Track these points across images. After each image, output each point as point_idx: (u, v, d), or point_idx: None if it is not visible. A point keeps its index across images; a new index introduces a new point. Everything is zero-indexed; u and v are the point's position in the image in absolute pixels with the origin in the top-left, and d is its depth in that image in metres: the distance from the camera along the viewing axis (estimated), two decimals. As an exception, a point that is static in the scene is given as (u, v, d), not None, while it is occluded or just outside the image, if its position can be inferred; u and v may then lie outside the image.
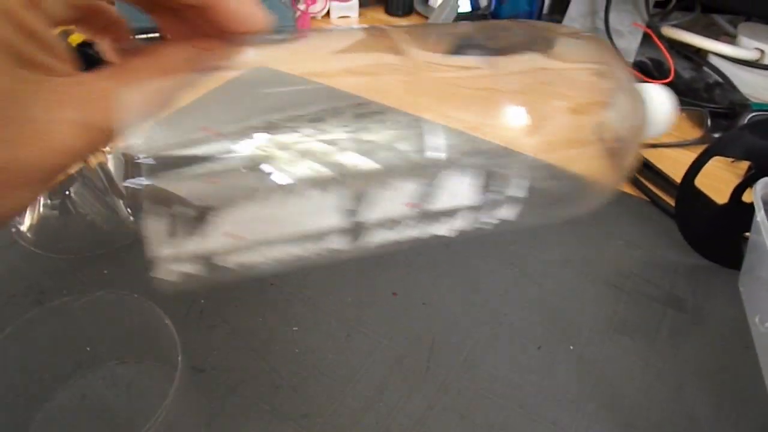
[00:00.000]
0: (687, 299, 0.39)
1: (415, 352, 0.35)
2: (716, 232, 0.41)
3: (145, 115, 0.22)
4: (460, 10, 0.68)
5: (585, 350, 0.36)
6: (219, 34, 0.25)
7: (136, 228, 0.42)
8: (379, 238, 0.32)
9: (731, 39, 0.64)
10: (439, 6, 0.66)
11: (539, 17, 0.65)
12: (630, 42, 0.63)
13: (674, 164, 0.48)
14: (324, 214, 0.29)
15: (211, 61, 0.25)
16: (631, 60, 0.63)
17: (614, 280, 0.40)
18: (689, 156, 0.41)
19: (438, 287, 0.39)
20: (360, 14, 0.77)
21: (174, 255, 0.27)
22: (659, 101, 0.41)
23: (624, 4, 0.64)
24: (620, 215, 0.46)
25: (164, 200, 0.26)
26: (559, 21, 0.68)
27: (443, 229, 0.34)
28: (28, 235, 0.42)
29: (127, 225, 0.42)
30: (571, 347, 0.36)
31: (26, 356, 0.30)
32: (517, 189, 0.34)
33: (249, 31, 0.25)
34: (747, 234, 0.38)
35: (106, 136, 0.21)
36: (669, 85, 0.50)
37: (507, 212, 0.36)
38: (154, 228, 0.26)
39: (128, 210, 0.42)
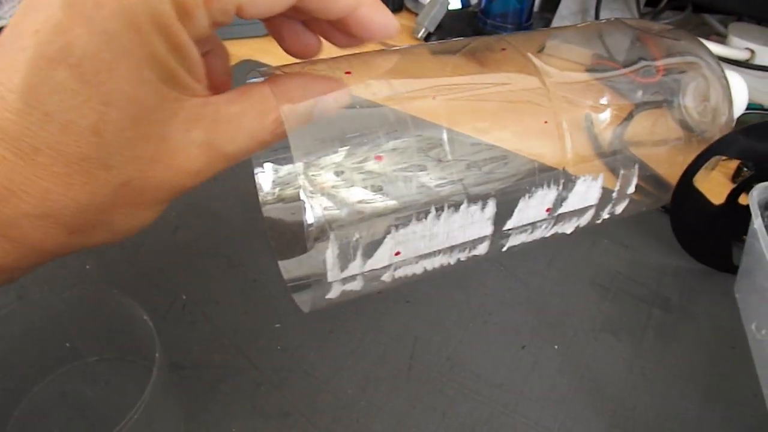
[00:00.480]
0: (674, 300, 0.39)
1: (397, 350, 0.35)
2: (710, 233, 0.41)
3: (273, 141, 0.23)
4: (451, 7, 0.67)
5: (570, 350, 0.36)
6: (348, 42, 0.27)
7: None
8: (516, 241, 0.33)
9: (722, 39, 0.64)
10: (429, 3, 0.66)
11: (530, 14, 0.65)
12: (621, 44, 0.63)
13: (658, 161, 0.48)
14: (480, 226, 0.30)
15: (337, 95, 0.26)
16: (621, 59, 0.62)
17: (600, 280, 0.40)
18: (677, 154, 0.40)
19: (422, 285, 0.38)
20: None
21: (345, 276, 0.28)
22: (739, 89, 0.42)
23: (614, 2, 0.63)
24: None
25: (349, 226, 0.27)
26: (550, 18, 0.68)
27: (569, 228, 0.35)
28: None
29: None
30: (556, 347, 0.36)
31: (5, 351, 0.30)
32: (630, 186, 0.35)
33: (381, 38, 0.25)
34: (744, 237, 0.38)
35: (229, 160, 0.22)
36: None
37: (618, 208, 0.36)
38: (332, 254, 0.27)
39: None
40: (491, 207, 0.31)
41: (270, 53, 0.63)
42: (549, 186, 0.33)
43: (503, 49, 0.37)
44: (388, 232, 0.28)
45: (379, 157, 0.28)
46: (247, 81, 0.27)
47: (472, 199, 0.30)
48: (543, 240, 0.36)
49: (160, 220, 0.41)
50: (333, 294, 0.29)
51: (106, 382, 0.33)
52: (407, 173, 0.29)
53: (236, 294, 0.38)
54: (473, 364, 0.34)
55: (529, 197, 0.32)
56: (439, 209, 0.29)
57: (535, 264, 0.41)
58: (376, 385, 0.33)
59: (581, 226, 0.37)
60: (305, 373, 0.34)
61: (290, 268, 0.37)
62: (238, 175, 0.45)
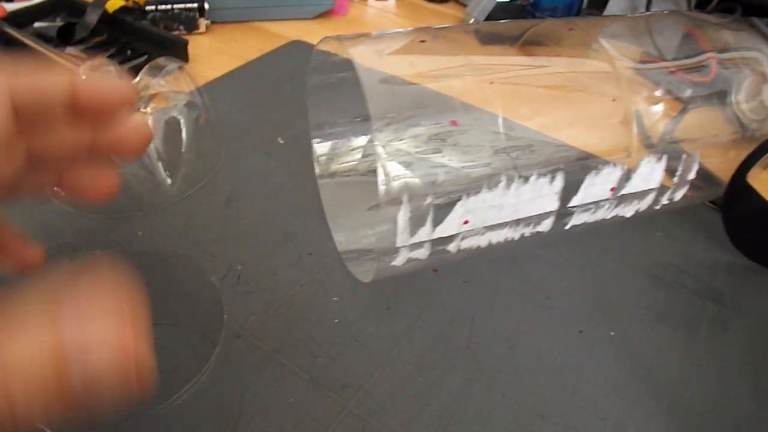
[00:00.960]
0: (727, 295, 0.39)
1: (455, 329, 0.35)
2: (763, 231, 0.40)
3: None
4: (499, -1, 0.67)
5: (626, 337, 0.35)
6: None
7: (172, 191, 0.42)
8: (579, 220, 0.33)
9: (770, 41, 0.63)
10: (478, -7, 0.65)
11: (579, 10, 0.64)
12: (669, 40, 0.62)
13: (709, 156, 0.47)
14: (547, 200, 0.30)
15: None
16: (670, 58, 0.62)
17: (654, 270, 0.40)
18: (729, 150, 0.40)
19: (478, 267, 0.38)
20: (398, -1, 0.76)
21: (414, 242, 0.28)
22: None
23: (665, 2, 0.63)
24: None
25: (422, 191, 0.27)
26: (599, 15, 0.67)
27: (629, 211, 0.35)
28: (62, 192, 0.41)
29: (164, 188, 0.41)
30: (612, 333, 0.36)
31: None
32: (691, 172, 0.35)
33: (119, 104, 0.22)
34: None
35: None
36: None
37: (678, 195, 0.36)
38: (403, 218, 0.27)
39: (166, 173, 0.41)
40: (559, 181, 0.30)
41: (319, 35, 0.63)
42: (615, 165, 0.32)
43: (570, 29, 0.36)
44: (458, 199, 0.28)
45: (454, 122, 0.28)
46: None
47: (542, 172, 0.30)
48: (602, 223, 0.36)
49: (212, 191, 0.41)
50: (399, 261, 0.29)
51: (161, 349, 0.33)
52: (480, 141, 0.29)
53: (291, 266, 0.37)
54: (532, 346, 0.34)
55: (596, 174, 0.32)
56: (510, 179, 0.29)
57: (589, 251, 0.40)
58: (434, 362, 0.33)
59: (641, 210, 0.36)
60: (362, 346, 0.33)
61: (352, 237, 0.37)
62: (291, 149, 0.45)
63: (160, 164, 0.41)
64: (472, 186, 0.28)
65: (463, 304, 0.36)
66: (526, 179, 0.29)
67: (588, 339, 0.35)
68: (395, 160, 0.27)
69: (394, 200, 0.27)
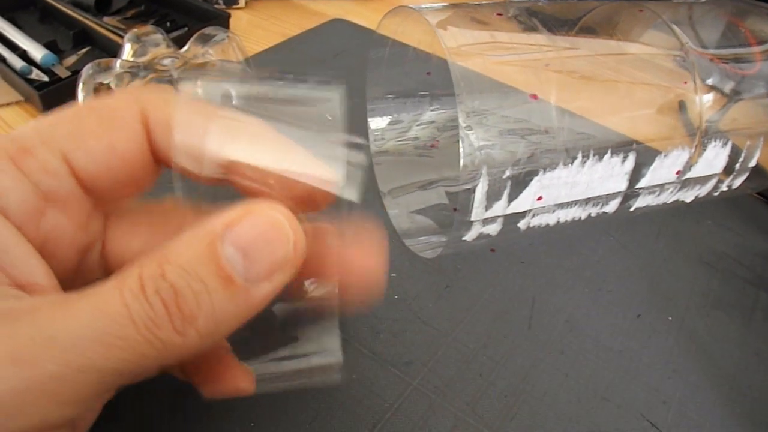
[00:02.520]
0: (780, 285, 0.38)
1: (515, 309, 0.34)
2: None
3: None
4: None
5: (684, 322, 0.35)
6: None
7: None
8: (643, 202, 0.33)
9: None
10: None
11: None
12: (711, 31, 0.62)
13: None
14: (617, 180, 0.30)
15: None
16: (712, 49, 0.62)
17: (707, 258, 0.40)
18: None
19: (535, 248, 0.38)
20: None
21: (487, 216, 0.28)
22: None
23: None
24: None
25: (502, 163, 0.27)
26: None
27: (690, 196, 0.35)
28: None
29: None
30: (670, 318, 0.35)
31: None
32: (753, 159, 0.35)
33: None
34: None
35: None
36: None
37: (737, 182, 0.36)
38: (481, 191, 0.27)
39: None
40: (631, 161, 0.30)
41: (361, 15, 0.63)
42: (683, 148, 0.32)
43: (641, 11, 0.36)
44: (536, 174, 0.28)
45: (534, 96, 0.27)
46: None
47: (616, 151, 0.29)
48: (663, 207, 0.36)
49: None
50: (470, 236, 0.29)
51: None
52: (563, 112, 0.28)
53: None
54: (591, 328, 0.34)
55: (665, 156, 0.31)
56: (585, 156, 0.28)
57: (642, 237, 0.40)
58: (497, 341, 0.33)
59: (700, 196, 0.36)
60: (424, 324, 0.33)
61: (408, 214, 0.36)
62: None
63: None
64: (550, 161, 0.28)
65: (522, 284, 0.36)
66: (601, 156, 0.28)
67: (646, 323, 0.35)
68: (476, 130, 0.26)
69: (472, 173, 0.27)
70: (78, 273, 0.19)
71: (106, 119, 0.18)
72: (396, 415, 0.29)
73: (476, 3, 0.34)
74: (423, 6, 0.32)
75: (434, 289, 0.35)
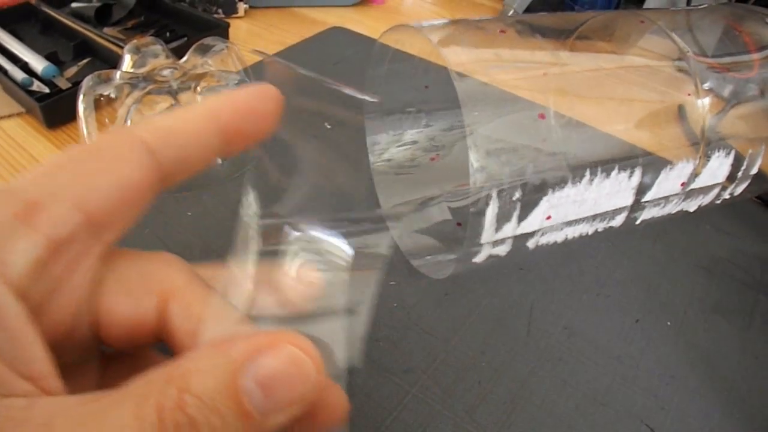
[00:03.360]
0: (779, 289, 0.39)
1: (514, 316, 0.35)
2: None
3: None
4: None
5: (682, 328, 0.35)
6: None
7: (222, 172, 0.41)
8: (649, 215, 0.33)
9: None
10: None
11: (618, 4, 0.64)
12: (709, 36, 0.62)
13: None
14: (624, 195, 0.30)
15: None
16: (710, 54, 0.62)
17: (705, 263, 0.40)
18: None
19: (533, 255, 0.38)
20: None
21: (497, 238, 0.28)
22: None
23: (704, -6, 0.63)
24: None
25: (511, 182, 0.27)
26: (638, 9, 0.67)
27: (693, 205, 0.35)
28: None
29: (215, 168, 0.41)
30: (668, 323, 0.35)
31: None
32: (754, 167, 0.35)
33: None
34: None
35: None
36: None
37: (739, 189, 0.36)
38: (493, 212, 0.27)
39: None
40: (637, 175, 0.30)
41: (360, 23, 0.63)
42: (688, 159, 0.32)
43: (642, 21, 0.36)
44: (545, 194, 0.28)
45: (542, 115, 0.28)
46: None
47: (623, 166, 0.30)
48: (667, 218, 0.36)
49: (261, 173, 0.41)
50: (480, 257, 0.29)
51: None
52: (569, 130, 0.29)
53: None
54: (590, 334, 0.34)
55: (670, 169, 0.32)
56: (593, 173, 0.29)
57: (640, 242, 0.40)
58: (496, 348, 0.33)
59: (703, 205, 0.36)
60: (423, 332, 0.33)
61: (412, 234, 0.37)
62: (339, 134, 0.45)
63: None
64: (558, 180, 0.28)
65: (520, 291, 0.36)
66: (608, 173, 0.29)
67: (645, 329, 0.35)
68: (485, 150, 0.27)
69: (480, 190, 0.27)
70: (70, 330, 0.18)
71: (107, 153, 0.18)
72: (395, 423, 0.29)
73: (475, 19, 0.34)
74: (424, 23, 0.33)
75: (433, 297, 0.35)
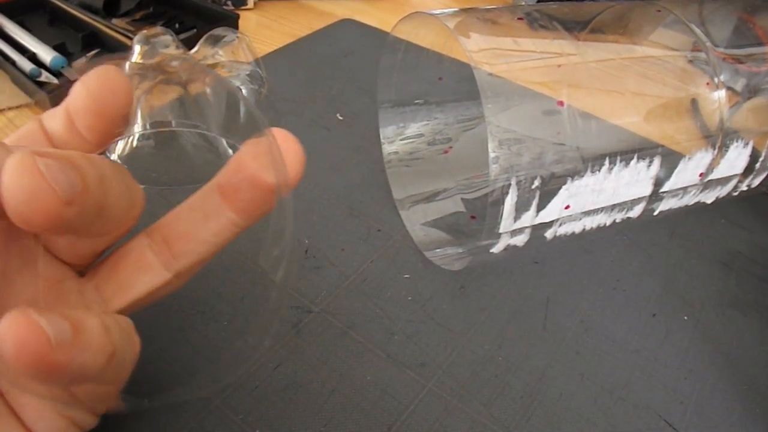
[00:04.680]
0: (796, 282, 0.38)
1: (530, 309, 0.34)
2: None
3: None
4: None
5: (699, 322, 0.35)
6: None
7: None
8: (667, 206, 0.33)
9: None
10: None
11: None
12: (722, 28, 0.61)
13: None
14: (642, 185, 0.30)
15: None
16: (723, 47, 0.61)
17: (721, 257, 0.39)
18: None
19: (549, 248, 0.38)
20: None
21: (516, 228, 0.28)
22: None
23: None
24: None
25: (530, 172, 0.27)
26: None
27: (711, 197, 0.35)
28: (120, 163, 0.40)
29: (225, 160, 0.41)
30: (685, 317, 0.35)
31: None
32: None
33: None
34: None
35: None
36: None
37: (757, 181, 0.36)
38: (512, 200, 0.26)
39: (227, 144, 0.40)
40: (656, 165, 0.30)
41: (369, 15, 0.63)
42: (706, 149, 0.32)
43: (658, 11, 0.36)
44: (564, 183, 0.27)
45: (561, 103, 0.27)
46: None
47: (642, 155, 0.29)
48: (685, 209, 0.35)
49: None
50: (498, 247, 0.29)
51: (229, 321, 0.32)
52: (587, 121, 0.28)
53: (360, 242, 0.37)
54: (606, 328, 0.34)
55: (689, 159, 0.31)
56: (612, 162, 0.28)
57: (656, 236, 0.40)
58: (512, 342, 0.32)
59: (721, 196, 0.36)
60: (438, 325, 0.33)
61: (425, 225, 0.36)
62: (351, 125, 0.44)
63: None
64: (577, 169, 0.27)
65: (536, 284, 0.35)
66: (627, 162, 0.28)
67: (662, 323, 0.34)
68: (504, 139, 0.26)
69: (499, 181, 0.26)
70: None
71: None
72: (411, 417, 0.29)
73: (487, 7, 0.34)
74: (436, 11, 0.32)
75: (448, 290, 0.35)
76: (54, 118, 0.20)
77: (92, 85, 0.20)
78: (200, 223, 0.22)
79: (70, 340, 0.15)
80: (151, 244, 0.22)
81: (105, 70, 0.20)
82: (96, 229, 0.19)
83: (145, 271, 0.21)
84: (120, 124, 0.20)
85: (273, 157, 0.20)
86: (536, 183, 0.26)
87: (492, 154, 0.26)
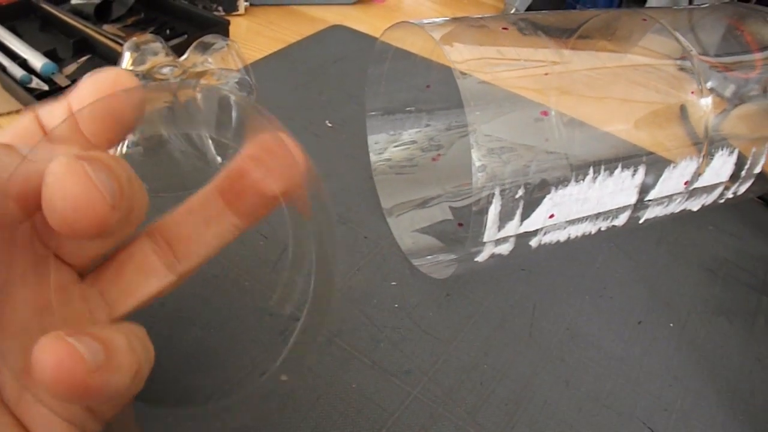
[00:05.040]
0: (782, 290, 0.38)
1: (516, 317, 0.34)
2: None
3: None
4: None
5: (685, 329, 0.35)
6: None
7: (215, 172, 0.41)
8: (652, 214, 0.33)
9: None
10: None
11: (620, 4, 0.64)
12: (711, 35, 0.61)
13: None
14: (627, 193, 0.30)
15: None
16: (712, 54, 0.61)
17: (708, 264, 0.40)
18: None
19: (535, 255, 0.38)
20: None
21: (500, 237, 0.28)
22: None
23: (707, -8, 0.62)
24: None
25: (514, 181, 0.27)
26: (640, 7, 0.67)
27: (696, 205, 0.35)
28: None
29: (214, 167, 0.41)
30: (671, 325, 0.35)
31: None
32: (758, 166, 0.35)
33: None
34: None
35: None
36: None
37: (742, 188, 0.36)
38: (493, 212, 0.26)
39: (215, 151, 0.41)
40: (641, 173, 0.30)
41: (360, 21, 0.63)
42: (691, 158, 0.32)
43: (644, 19, 0.36)
44: (548, 192, 0.27)
45: (545, 113, 0.27)
46: None
47: (626, 164, 0.29)
48: (670, 217, 0.35)
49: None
50: (483, 256, 0.29)
51: (218, 332, 0.32)
52: (574, 128, 0.28)
53: (347, 249, 0.37)
54: (592, 335, 0.34)
55: (674, 167, 0.31)
56: (597, 171, 0.28)
57: (643, 243, 0.40)
58: (498, 349, 0.33)
59: (706, 204, 0.36)
60: (424, 333, 0.33)
61: (413, 234, 0.36)
62: (340, 132, 0.44)
63: (210, 142, 0.41)
64: (561, 178, 0.28)
65: (523, 291, 0.36)
66: (611, 171, 0.28)
67: (648, 330, 0.35)
68: (487, 148, 0.26)
69: (483, 190, 0.26)
70: None
71: None
72: (396, 425, 0.29)
73: (476, 16, 0.34)
74: (424, 21, 0.32)
75: (434, 298, 0.35)
76: (52, 115, 0.20)
77: (103, 86, 0.19)
78: (202, 226, 0.22)
79: (103, 362, 0.15)
80: (155, 247, 0.22)
81: (116, 72, 0.19)
82: (121, 231, 0.19)
83: (150, 274, 0.21)
84: (128, 131, 0.20)
85: (279, 160, 0.20)
86: (520, 192, 0.27)
87: (477, 163, 0.26)
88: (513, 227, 0.27)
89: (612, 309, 0.35)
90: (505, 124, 0.28)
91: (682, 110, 0.36)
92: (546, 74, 0.31)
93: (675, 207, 0.34)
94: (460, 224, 0.39)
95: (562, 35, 0.35)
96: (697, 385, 0.32)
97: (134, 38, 0.45)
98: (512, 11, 0.64)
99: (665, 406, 0.31)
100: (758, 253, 0.41)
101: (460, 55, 0.29)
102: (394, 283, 0.35)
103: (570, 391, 0.31)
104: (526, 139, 0.27)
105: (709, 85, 0.37)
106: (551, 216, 0.28)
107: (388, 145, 0.41)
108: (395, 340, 0.32)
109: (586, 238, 0.32)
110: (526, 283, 0.36)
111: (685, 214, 0.38)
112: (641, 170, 0.30)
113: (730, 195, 0.36)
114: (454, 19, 0.33)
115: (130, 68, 0.44)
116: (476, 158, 0.26)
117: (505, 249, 0.29)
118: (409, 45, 0.38)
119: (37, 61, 0.50)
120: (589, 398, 0.31)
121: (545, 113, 0.27)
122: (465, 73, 0.27)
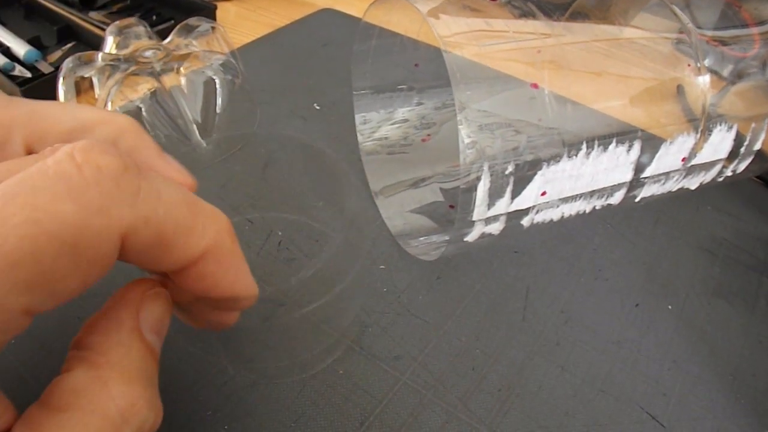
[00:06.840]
0: (783, 270, 0.37)
1: (509, 300, 0.33)
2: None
3: None
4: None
5: (683, 311, 0.34)
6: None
7: (207, 155, 0.40)
8: (648, 192, 0.32)
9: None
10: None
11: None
12: (708, 13, 0.60)
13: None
14: (622, 170, 0.29)
15: None
16: (709, 34, 0.60)
17: (707, 245, 0.39)
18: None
19: (529, 236, 0.37)
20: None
21: (490, 215, 0.27)
22: None
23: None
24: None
25: (503, 157, 0.26)
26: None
27: (694, 183, 0.34)
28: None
29: (199, 151, 0.40)
30: (670, 307, 0.34)
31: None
32: (758, 143, 0.34)
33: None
34: None
35: None
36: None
37: (741, 166, 0.35)
38: (482, 189, 0.25)
39: (201, 136, 0.40)
40: (636, 149, 0.29)
41: (350, 4, 0.61)
42: (689, 133, 0.31)
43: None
44: (539, 168, 0.26)
45: (534, 85, 0.26)
46: None
47: (621, 140, 0.28)
48: (668, 195, 0.34)
49: (248, 156, 0.40)
50: (473, 236, 0.28)
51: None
52: (566, 104, 0.27)
53: (335, 233, 0.36)
54: (588, 319, 0.33)
55: (670, 143, 0.30)
56: (590, 147, 0.27)
57: (640, 224, 0.39)
58: (490, 334, 0.32)
59: (705, 182, 0.35)
60: (414, 317, 0.32)
61: (402, 214, 0.35)
62: (328, 115, 0.43)
63: (194, 127, 0.40)
64: (553, 154, 0.27)
65: (516, 274, 0.34)
66: (606, 147, 0.27)
67: (645, 313, 0.34)
68: (476, 124, 0.25)
69: (471, 168, 0.25)
70: None
71: None
72: (385, 412, 0.28)
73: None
74: None
75: (424, 281, 0.34)
76: None
77: None
78: None
79: None
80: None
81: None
82: None
83: None
84: None
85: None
86: (510, 168, 0.25)
87: (467, 140, 0.25)
88: (503, 205, 0.26)
89: (608, 291, 0.34)
90: (495, 101, 0.27)
91: (679, 89, 0.35)
92: (539, 51, 0.30)
93: (672, 185, 0.33)
94: (452, 206, 0.38)
95: (554, 12, 0.34)
96: (697, 369, 0.31)
97: (117, 22, 0.44)
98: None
99: (664, 390, 0.30)
100: (758, 233, 0.40)
101: (447, 29, 0.28)
102: (382, 267, 0.34)
103: (565, 376, 0.30)
104: (517, 115, 0.26)
105: (707, 61, 0.36)
106: (543, 193, 0.27)
107: (382, 123, 0.39)
108: (384, 325, 0.31)
109: (580, 217, 0.30)
110: (519, 265, 0.35)
111: (683, 193, 0.36)
112: (637, 146, 0.29)
113: (729, 173, 0.35)
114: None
115: (113, 52, 0.43)
116: (465, 135, 0.25)
117: (495, 228, 0.28)
118: (395, 25, 0.37)
119: (21, 48, 0.49)
120: (585, 383, 0.30)
121: (535, 86, 0.26)
122: (453, 48, 0.26)
